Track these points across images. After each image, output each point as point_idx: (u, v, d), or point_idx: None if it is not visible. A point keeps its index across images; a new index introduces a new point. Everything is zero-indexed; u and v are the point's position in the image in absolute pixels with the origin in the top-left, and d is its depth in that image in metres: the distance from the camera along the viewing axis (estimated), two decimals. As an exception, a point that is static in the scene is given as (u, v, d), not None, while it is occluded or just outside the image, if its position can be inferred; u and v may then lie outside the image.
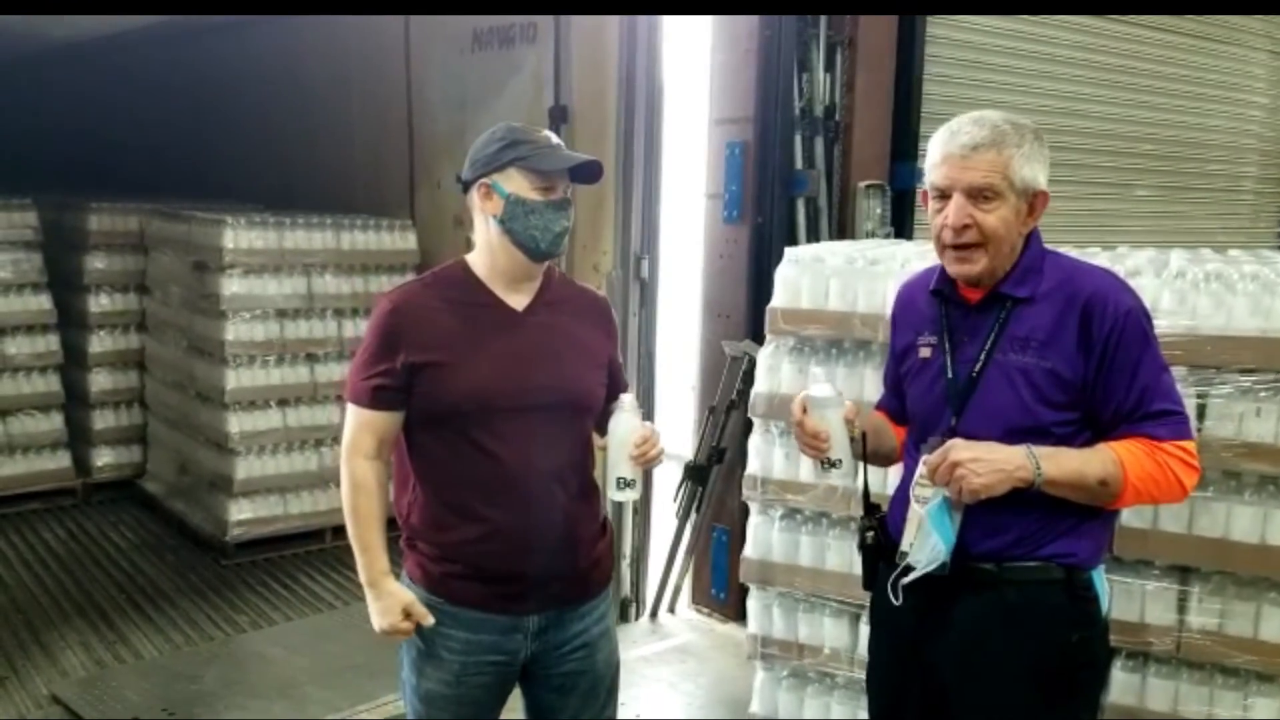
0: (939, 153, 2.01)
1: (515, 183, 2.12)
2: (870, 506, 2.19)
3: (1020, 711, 2.02)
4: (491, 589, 2.17)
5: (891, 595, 2.04)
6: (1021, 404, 1.98)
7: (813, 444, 2.09)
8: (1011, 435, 1.96)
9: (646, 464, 2.18)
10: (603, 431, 2.22)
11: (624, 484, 2.16)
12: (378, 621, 2.20)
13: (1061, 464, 1.93)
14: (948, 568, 1.99)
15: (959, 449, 1.93)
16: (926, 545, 1.98)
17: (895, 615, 2.08)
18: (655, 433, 2.18)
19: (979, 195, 1.96)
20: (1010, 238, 1.99)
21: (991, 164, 1.95)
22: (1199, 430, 2.58)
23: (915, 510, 2.01)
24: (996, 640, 2.02)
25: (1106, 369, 1.94)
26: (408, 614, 2.17)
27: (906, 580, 2.02)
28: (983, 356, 2.02)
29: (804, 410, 2.10)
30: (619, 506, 4.46)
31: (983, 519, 1.98)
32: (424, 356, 2.11)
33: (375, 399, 2.15)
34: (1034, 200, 2.00)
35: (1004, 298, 2.03)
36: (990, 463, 1.90)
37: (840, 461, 2.08)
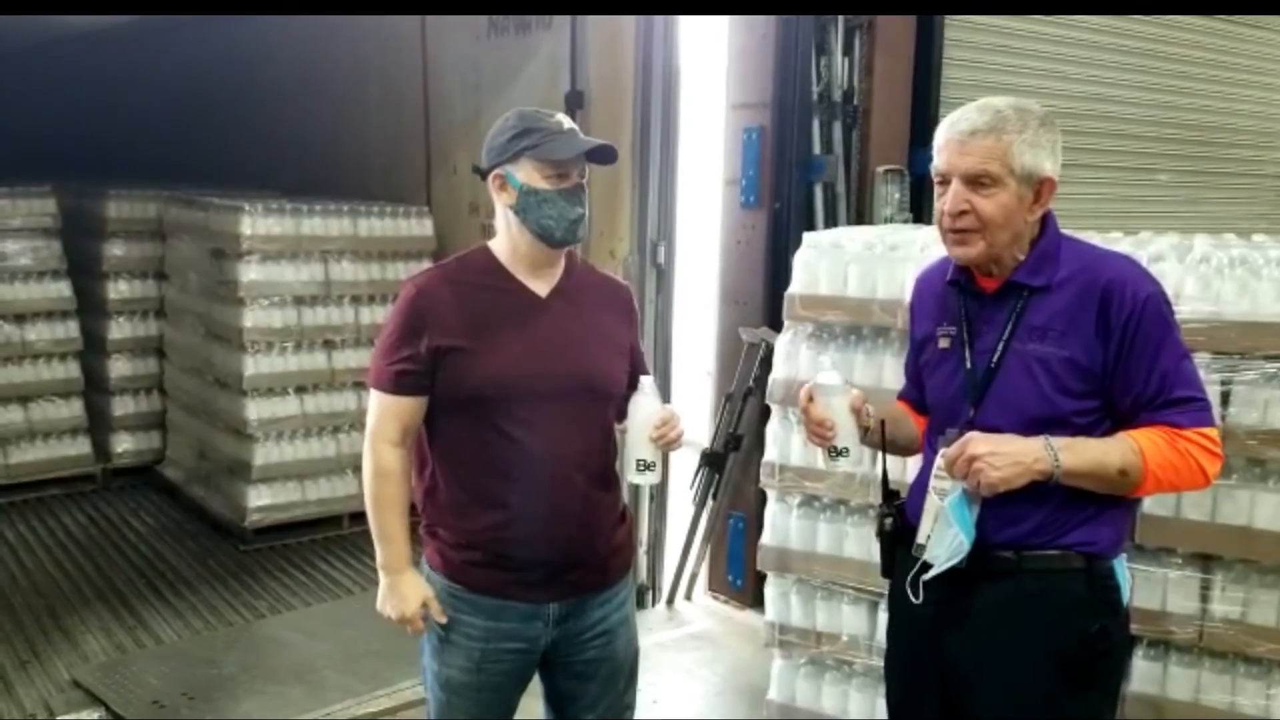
0: (941, 137, 2.00)
1: (527, 172, 2.12)
2: (889, 494, 2.18)
3: (1039, 700, 2.00)
4: (512, 576, 2.17)
5: (911, 594, 2.03)
6: (1040, 394, 1.96)
7: (818, 432, 2.09)
8: (1031, 425, 1.94)
9: (666, 446, 2.17)
10: (623, 417, 2.21)
11: (643, 466, 2.15)
12: (395, 609, 2.20)
13: (1080, 454, 1.90)
14: (965, 561, 1.97)
15: (976, 442, 1.91)
16: (946, 539, 1.97)
17: (914, 603, 2.06)
18: (675, 415, 2.17)
19: (976, 181, 1.95)
20: (1011, 224, 1.96)
21: (989, 150, 1.93)
22: (1223, 418, 2.56)
23: (934, 502, 2.00)
24: (1016, 629, 2.00)
25: (1125, 356, 1.92)
26: (424, 607, 2.19)
27: (927, 577, 2.00)
28: (1000, 347, 2.00)
29: (810, 399, 2.09)
30: (636, 494, 4.46)
31: (1001, 508, 1.96)
32: (448, 341, 2.11)
33: (399, 384, 2.14)
34: (1040, 187, 1.98)
35: (1020, 287, 2.01)
36: (1008, 455, 1.89)
37: (847, 450, 2.07)
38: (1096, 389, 1.95)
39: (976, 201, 1.95)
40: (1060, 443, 1.91)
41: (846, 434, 2.07)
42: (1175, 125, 6.00)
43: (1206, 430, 1.94)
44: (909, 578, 2.03)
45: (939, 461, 1.98)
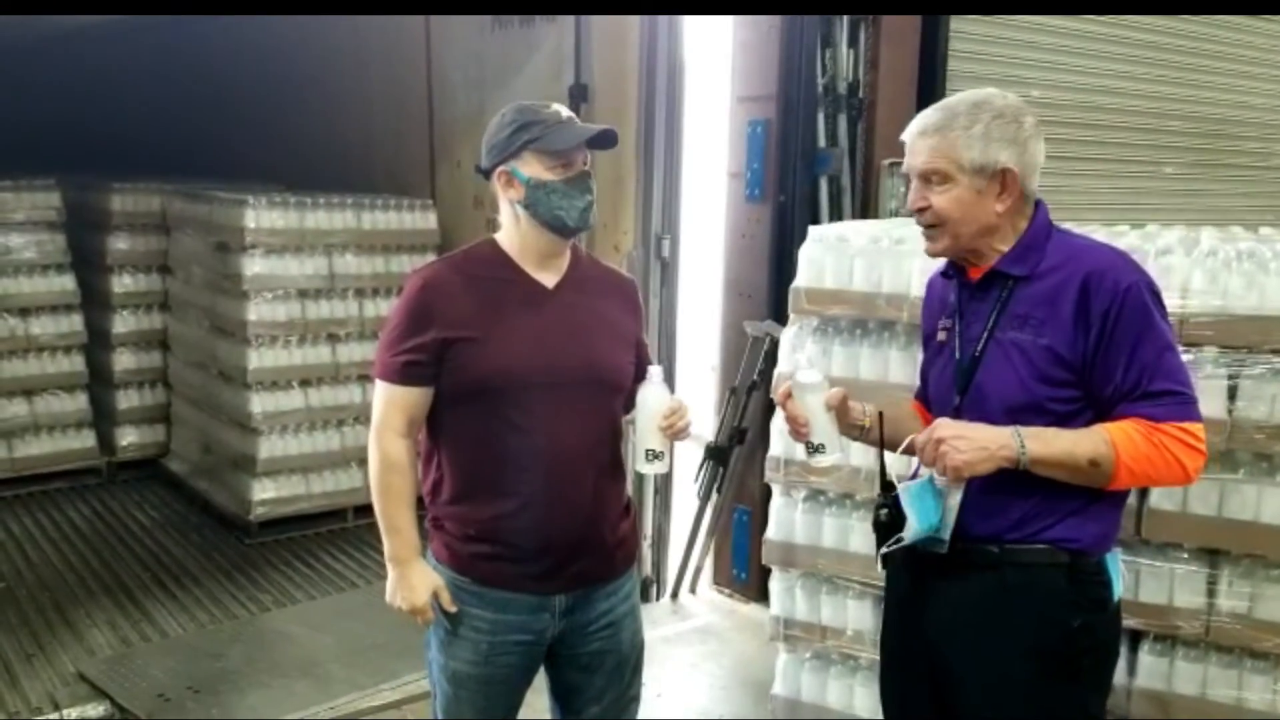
0: (904, 138, 2.06)
1: (532, 166, 2.11)
2: (886, 485, 2.18)
3: (1021, 692, 2.01)
4: (519, 568, 2.17)
5: (877, 564, 2.08)
6: (1019, 381, 1.97)
7: (795, 427, 2.11)
8: (1011, 413, 1.95)
9: (674, 435, 2.16)
10: (631, 408, 2.21)
11: (652, 456, 2.15)
12: (406, 599, 2.20)
13: (1049, 443, 1.91)
14: (946, 546, 2.00)
15: (942, 426, 1.93)
16: (909, 524, 2.00)
17: (904, 594, 2.10)
18: (683, 404, 2.17)
19: (928, 179, 2.00)
20: (972, 217, 1.99)
21: (934, 148, 1.98)
22: (1230, 412, 2.55)
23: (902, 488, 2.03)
24: (999, 622, 2.01)
25: (1105, 347, 1.92)
26: (435, 597, 2.19)
27: (885, 550, 2.03)
28: (984, 335, 2.02)
29: (789, 395, 2.10)
30: (640, 487, 4.46)
31: (983, 500, 1.97)
32: (456, 332, 2.11)
33: (406, 375, 2.14)
34: (1004, 178, 1.98)
35: (1003, 276, 2.02)
36: (973, 440, 1.90)
37: (824, 446, 2.09)
38: (1076, 379, 1.95)
39: (932, 198, 2.00)
40: (1029, 431, 1.91)
41: (822, 430, 2.08)
42: (1182, 117, 5.97)
43: (1186, 424, 1.91)
44: (876, 550, 2.07)
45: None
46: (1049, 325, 1.95)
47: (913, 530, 1.98)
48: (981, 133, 1.96)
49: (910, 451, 2.02)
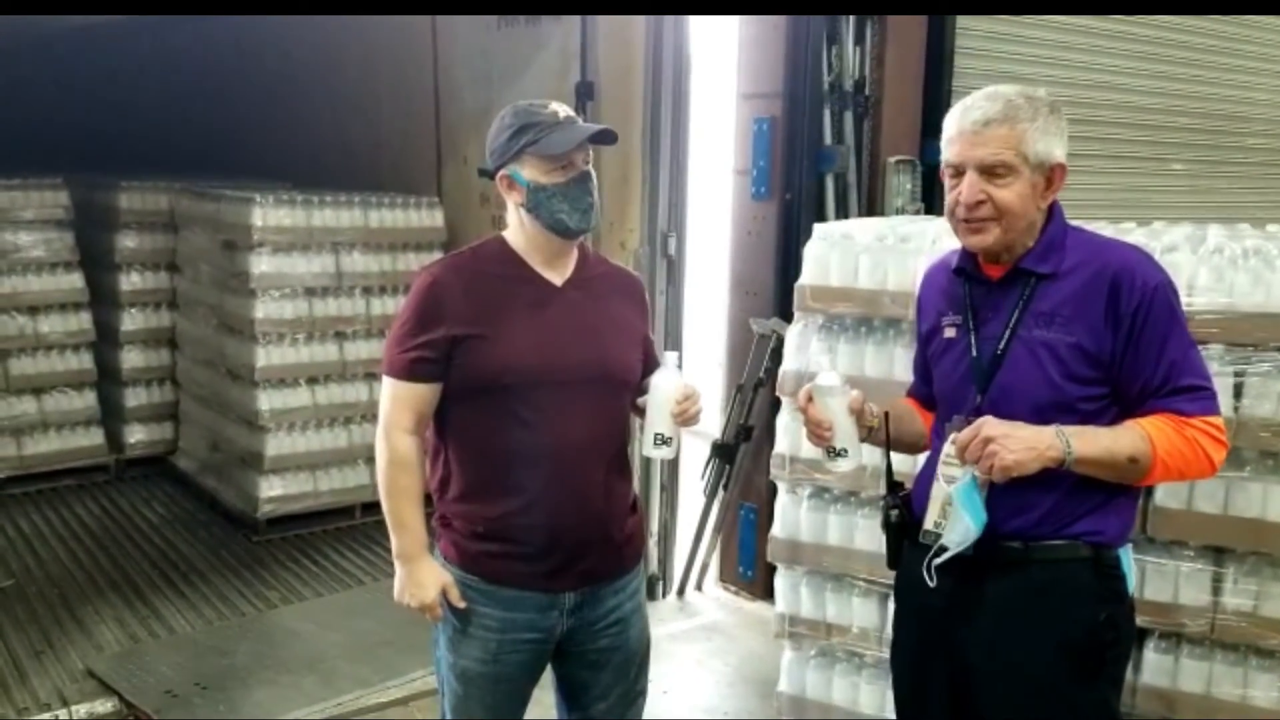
0: (953, 129, 2.00)
1: (531, 169, 2.12)
2: (894, 485, 2.18)
3: (1047, 690, 2.01)
4: (528, 566, 2.18)
5: (927, 577, 2.02)
6: (1047, 379, 1.96)
7: (817, 432, 2.09)
8: (1038, 411, 1.94)
9: (686, 422, 2.17)
10: (642, 394, 2.21)
11: (661, 440, 2.16)
12: (415, 596, 2.21)
13: (1091, 442, 1.91)
14: (972, 548, 1.97)
15: (991, 425, 1.90)
16: (958, 526, 1.96)
17: (922, 595, 2.07)
18: (697, 391, 2.18)
19: (992, 171, 1.95)
20: (1026, 212, 1.97)
21: (1004, 140, 1.94)
22: (1235, 409, 2.55)
23: (941, 489, 2.00)
24: (1025, 619, 2.01)
25: (1134, 344, 1.93)
26: (444, 594, 2.20)
27: (939, 561, 2.00)
28: (1006, 333, 2.01)
29: (809, 399, 2.09)
30: (646, 483, 4.47)
31: (1009, 497, 1.96)
32: (465, 329, 2.12)
33: (414, 371, 2.15)
34: (1051, 174, 1.98)
35: (1027, 274, 2.01)
36: (1022, 440, 1.89)
37: (845, 450, 2.08)
38: (1103, 376, 1.96)
39: (993, 191, 1.95)
40: (1072, 430, 1.91)
41: (845, 435, 2.08)
42: (1189, 114, 5.97)
43: (1212, 419, 1.94)
44: (924, 562, 2.03)
45: (947, 448, 1.98)
46: (1077, 323, 1.95)
47: (968, 532, 1.95)
48: (1043, 126, 1.95)
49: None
